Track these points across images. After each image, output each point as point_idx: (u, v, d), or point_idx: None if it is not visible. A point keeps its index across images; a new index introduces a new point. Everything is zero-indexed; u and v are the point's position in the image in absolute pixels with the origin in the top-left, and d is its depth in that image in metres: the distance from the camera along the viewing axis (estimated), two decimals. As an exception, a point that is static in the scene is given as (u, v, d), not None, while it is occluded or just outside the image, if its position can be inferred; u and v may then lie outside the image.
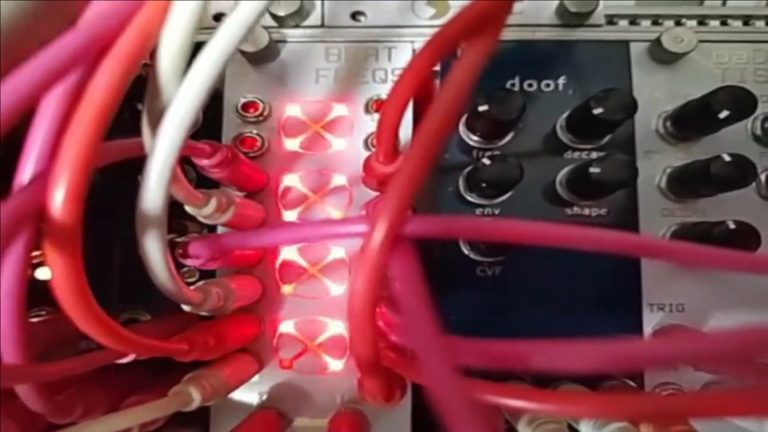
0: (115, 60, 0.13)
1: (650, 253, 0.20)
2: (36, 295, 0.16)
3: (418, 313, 0.13)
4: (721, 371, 0.25)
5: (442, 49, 0.16)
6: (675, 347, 0.13)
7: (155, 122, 0.15)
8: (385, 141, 0.19)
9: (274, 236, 0.17)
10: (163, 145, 0.14)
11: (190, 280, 0.26)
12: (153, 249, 0.16)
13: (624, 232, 0.16)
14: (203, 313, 0.22)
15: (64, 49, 0.13)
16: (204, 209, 0.21)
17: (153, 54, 0.14)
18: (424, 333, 0.13)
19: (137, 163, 0.16)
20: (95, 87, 0.13)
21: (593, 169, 0.24)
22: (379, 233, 0.14)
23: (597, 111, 0.24)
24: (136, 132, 0.16)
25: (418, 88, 0.17)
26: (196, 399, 0.20)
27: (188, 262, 0.20)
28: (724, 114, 0.24)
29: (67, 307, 0.14)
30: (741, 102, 0.24)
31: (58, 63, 0.13)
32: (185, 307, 0.20)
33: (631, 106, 0.24)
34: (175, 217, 0.26)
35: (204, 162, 0.22)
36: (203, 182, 0.25)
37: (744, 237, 0.24)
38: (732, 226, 0.24)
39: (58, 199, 0.13)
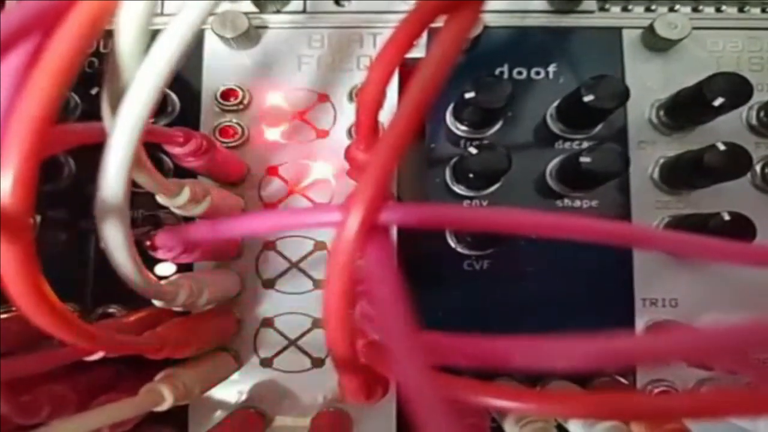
0: (66, 36, 0.12)
1: (644, 243, 0.19)
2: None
3: (389, 305, 0.12)
4: (714, 368, 0.24)
5: (420, 26, 0.15)
6: (664, 344, 0.12)
7: (116, 103, 0.14)
8: (363, 127, 0.18)
9: (245, 225, 0.16)
10: (124, 127, 0.14)
11: (164, 274, 0.25)
12: (114, 238, 0.15)
13: (616, 221, 0.15)
14: (178, 309, 0.21)
15: (12, 20, 0.12)
16: (176, 199, 0.20)
17: (113, 31, 0.13)
18: (394, 326, 0.12)
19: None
20: (44, 65, 0.12)
21: (584, 159, 0.23)
22: (354, 222, 0.13)
23: (588, 98, 0.23)
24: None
25: (405, 72, 0.16)
26: (168, 398, 0.19)
27: (159, 254, 0.19)
28: (718, 102, 0.23)
29: (18, 302, 0.13)
30: (736, 89, 0.23)
31: (6, 33, 0.12)
32: (157, 303, 0.20)
33: (623, 94, 0.23)
34: (151, 208, 0.25)
35: (177, 150, 0.21)
36: (182, 174, 0.24)
37: (739, 228, 0.23)
38: (727, 217, 0.23)
39: (6, 186, 0.12)
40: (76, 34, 0.12)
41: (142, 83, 0.13)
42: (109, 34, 0.13)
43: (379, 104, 0.17)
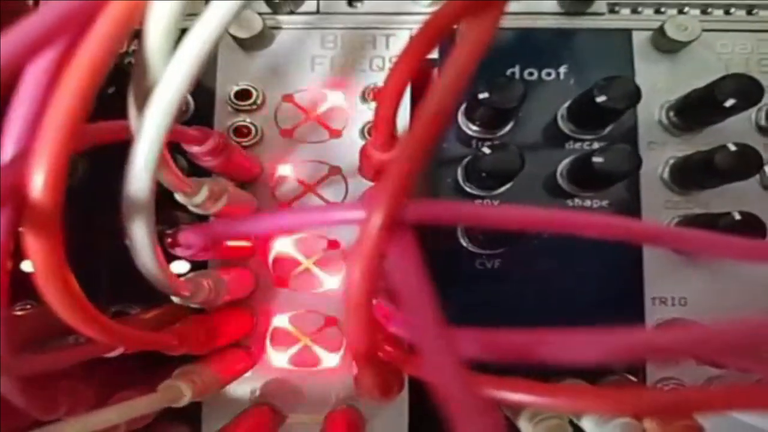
0: (98, 35, 0.13)
1: (658, 240, 0.19)
2: (22, 288, 0.15)
3: (420, 304, 0.12)
4: (725, 365, 0.24)
5: (441, 29, 0.15)
6: (684, 337, 0.13)
7: (142, 102, 0.14)
8: (382, 126, 0.18)
9: (267, 223, 0.16)
10: (151, 126, 0.14)
11: (181, 271, 0.26)
12: (140, 236, 0.15)
13: (631, 218, 0.16)
14: (194, 306, 0.21)
15: (45, 20, 0.12)
16: (195, 198, 0.20)
17: (140, 32, 0.14)
18: (426, 325, 0.12)
19: (127, 154, 0.15)
20: (77, 64, 0.12)
21: (596, 159, 0.23)
22: (377, 219, 0.13)
23: (600, 99, 0.23)
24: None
25: (417, 72, 0.16)
26: (186, 395, 0.20)
27: (178, 252, 0.20)
28: (729, 103, 0.23)
29: (48, 297, 0.13)
30: (747, 90, 0.23)
31: (39, 33, 0.12)
32: (175, 299, 0.20)
33: (635, 94, 0.24)
34: (166, 207, 0.25)
35: (195, 149, 0.21)
36: (195, 173, 0.24)
37: (749, 228, 0.23)
38: (737, 217, 0.23)
39: (38, 183, 0.13)
40: (107, 34, 0.13)
41: (171, 82, 0.13)
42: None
43: (398, 104, 0.17)
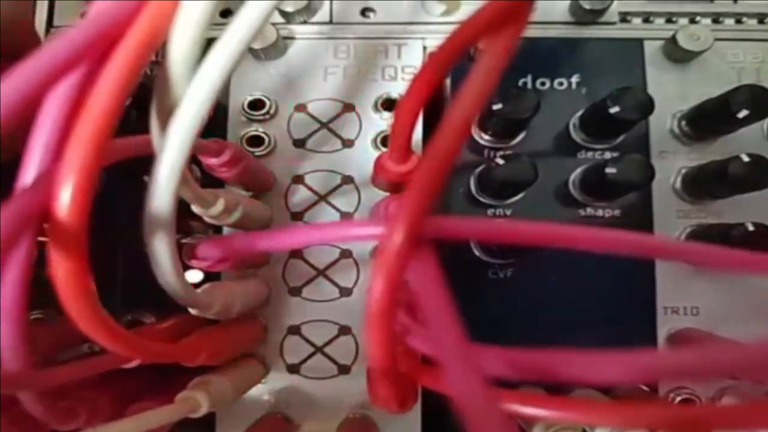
0: (124, 55, 0.13)
1: (668, 255, 0.19)
2: (34, 296, 0.15)
3: (442, 319, 0.12)
4: (740, 377, 0.24)
5: (464, 44, 0.15)
6: (713, 358, 0.13)
7: (165, 119, 0.14)
8: (399, 139, 0.19)
9: (286, 238, 0.16)
10: (174, 143, 0.14)
11: (194, 281, 0.26)
12: (161, 250, 0.15)
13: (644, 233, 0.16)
14: (209, 317, 0.21)
15: (69, 44, 0.12)
16: (211, 209, 0.20)
17: (161, 50, 0.14)
18: (448, 340, 0.12)
19: (141, 162, 0.15)
20: (103, 83, 0.13)
21: (609, 170, 0.23)
22: (399, 235, 0.13)
23: (613, 110, 0.24)
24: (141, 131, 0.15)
25: (437, 85, 0.17)
26: (203, 405, 0.20)
27: (195, 263, 0.20)
28: (743, 113, 0.23)
29: (72, 312, 0.14)
30: (761, 101, 0.23)
31: (64, 57, 0.12)
32: (192, 311, 0.20)
33: (648, 105, 0.24)
34: (180, 217, 0.25)
35: (211, 161, 0.21)
36: (208, 182, 0.24)
37: (763, 239, 0.23)
38: (751, 227, 0.23)
39: (65, 200, 0.13)
40: (137, 46, 0.13)
41: (195, 97, 0.13)
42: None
43: (416, 118, 0.17)
